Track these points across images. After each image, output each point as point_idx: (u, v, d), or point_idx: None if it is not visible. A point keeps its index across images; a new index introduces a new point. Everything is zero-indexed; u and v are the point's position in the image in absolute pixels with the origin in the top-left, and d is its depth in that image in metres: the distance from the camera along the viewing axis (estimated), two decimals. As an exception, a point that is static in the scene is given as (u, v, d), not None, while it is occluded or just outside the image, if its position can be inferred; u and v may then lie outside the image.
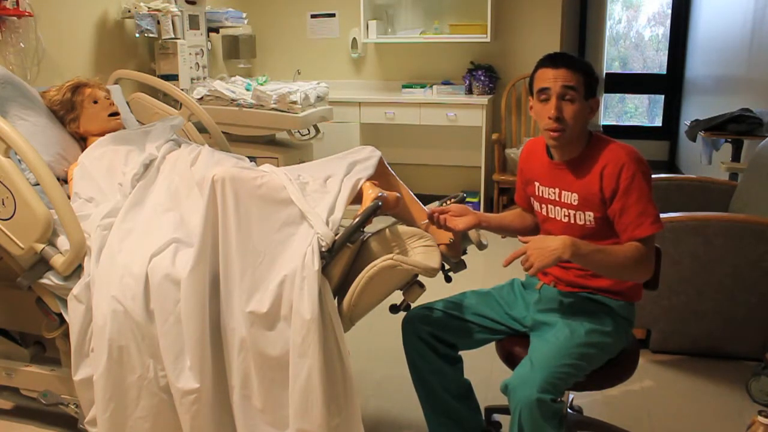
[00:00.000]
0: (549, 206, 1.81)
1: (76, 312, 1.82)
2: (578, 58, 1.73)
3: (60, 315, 1.91)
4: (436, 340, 1.86)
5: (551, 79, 1.68)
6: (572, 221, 1.76)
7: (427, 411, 1.92)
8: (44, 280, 1.88)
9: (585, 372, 1.68)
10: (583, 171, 1.72)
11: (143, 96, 2.91)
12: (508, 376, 1.63)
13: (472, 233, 1.96)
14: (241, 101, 3.68)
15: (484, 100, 4.35)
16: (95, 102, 2.37)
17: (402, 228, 1.84)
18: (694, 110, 5.33)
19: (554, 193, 1.79)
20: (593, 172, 1.70)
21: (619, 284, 1.76)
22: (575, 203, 1.74)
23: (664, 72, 6.17)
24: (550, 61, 1.71)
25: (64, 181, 2.22)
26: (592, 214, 1.72)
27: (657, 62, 6.40)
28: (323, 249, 1.64)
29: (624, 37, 6.63)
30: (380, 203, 1.71)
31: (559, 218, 1.79)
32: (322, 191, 1.80)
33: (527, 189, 1.90)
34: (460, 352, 1.92)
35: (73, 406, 2.06)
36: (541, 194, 1.83)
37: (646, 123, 6.59)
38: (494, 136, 4.47)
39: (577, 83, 1.68)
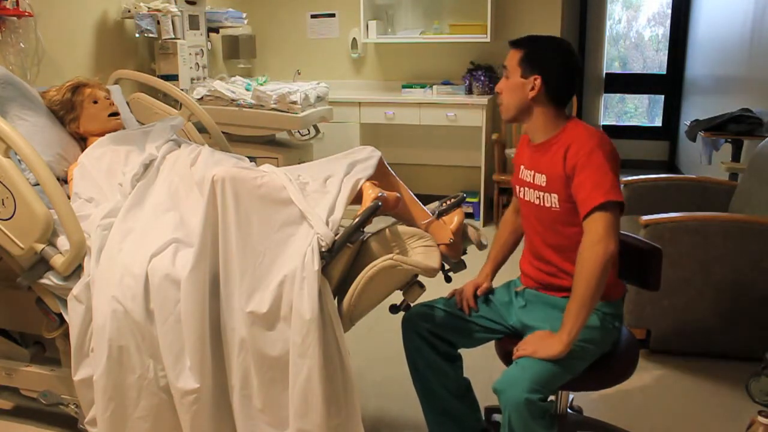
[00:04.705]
0: (525, 189, 1.82)
1: (76, 312, 1.82)
2: (532, 35, 1.77)
3: (60, 315, 1.91)
4: (435, 338, 1.86)
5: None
6: (542, 203, 1.76)
7: (426, 409, 1.93)
8: (44, 280, 1.88)
9: (577, 369, 1.68)
10: (551, 152, 1.73)
11: (143, 96, 2.91)
12: (505, 377, 1.64)
13: (472, 233, 1.96)
14: (241, 101, 3.68)
15: (484, 100, 4.35)
16: (95, 102, 2.37)
17: (402, 228, 1.84)
18: (694, 110, 5.33)
19: (530, 175, 1.80)
20: (558, 152, 1.71)
21: None
22: (543, 184, 1.75)
23: (664, 72, 6.17)
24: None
25: (64, 181, 2.21)
26: (557, 196, 1.72)
27: (657, 62, 6.41)
28: (323, 249, 1.64)
29: (624, 37, 6.63)
30: (380, 203, 1.71)
31: (531, 200, 1.80)
32: (322, 191, 1.80)
33: (514, 175, 1.92)
34: (460, 351, 1.92)
35: (73, 406, 2.06)
36: (522, 177, 1.84)
37: (646, 123, 6.59)
38: (494, 137, 4.47)
39: (512, 60, 1.74)
